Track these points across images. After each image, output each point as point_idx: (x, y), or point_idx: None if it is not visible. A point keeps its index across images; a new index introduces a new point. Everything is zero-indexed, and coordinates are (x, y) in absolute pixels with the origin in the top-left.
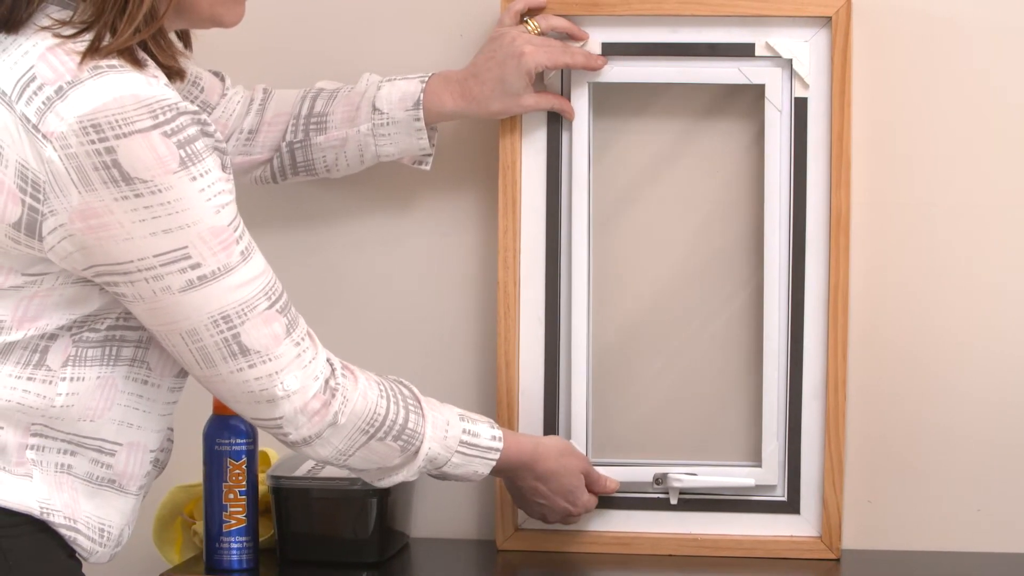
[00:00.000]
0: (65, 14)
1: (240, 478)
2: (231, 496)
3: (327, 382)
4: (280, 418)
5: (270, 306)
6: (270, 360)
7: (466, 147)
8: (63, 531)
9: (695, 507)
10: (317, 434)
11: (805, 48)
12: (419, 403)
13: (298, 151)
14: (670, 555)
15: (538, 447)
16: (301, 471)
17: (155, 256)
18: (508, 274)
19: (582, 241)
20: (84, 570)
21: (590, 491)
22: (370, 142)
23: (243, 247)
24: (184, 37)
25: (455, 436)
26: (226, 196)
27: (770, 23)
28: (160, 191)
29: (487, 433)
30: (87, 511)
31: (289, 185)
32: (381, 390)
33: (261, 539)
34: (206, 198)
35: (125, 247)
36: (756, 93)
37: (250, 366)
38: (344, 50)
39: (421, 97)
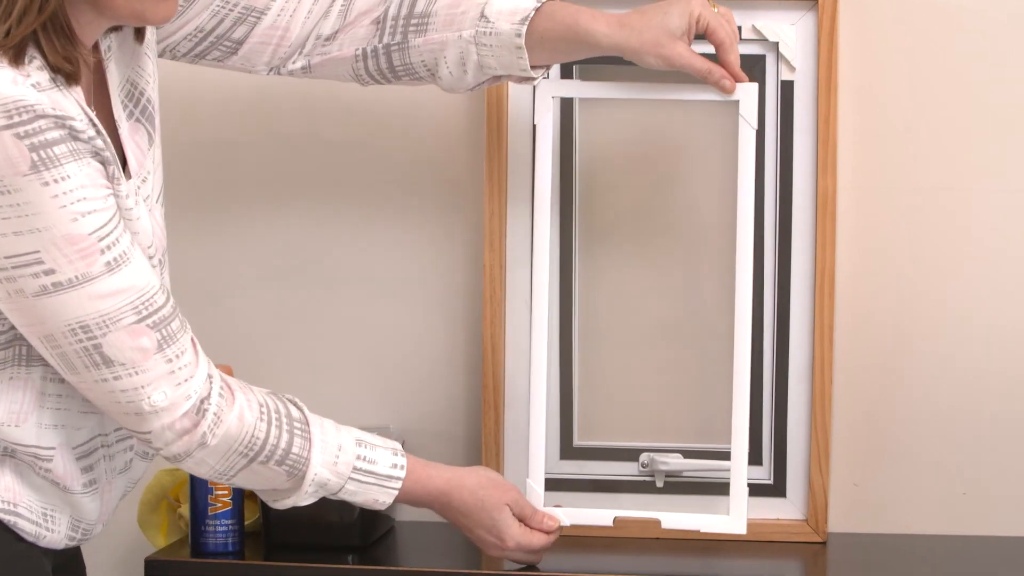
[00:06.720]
0: None
1: None
2: None
3: (201, 402)
4: (149, 432)
5: (139, 320)
6: (136, 374)
7: (455, 147)
8: (1, 515)
9: (681, 490)
10: (187, 453)
11: (792, 31)
12: (307, 426)
13: (395, 54)
14: (657, 538)
15: (452, 480)
16: None
17: (6, 257)
18: (494, 257)
19: (544, 231)
20: (84, 553)
21: (528, 526)
22: (472, 51)
23: (110, 258)
24: (136, 28)
25: (347, 462)
26: (90, 204)
27: (756, 6)
28: (9, 192)
29: (387, 460)
30: (30, 495)
31: (280, 192)
32: (262, 412)
33: (246, 522)
34: (60, 204)
35: None
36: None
37: (115, 377)
38: None
39: (532, 15)
